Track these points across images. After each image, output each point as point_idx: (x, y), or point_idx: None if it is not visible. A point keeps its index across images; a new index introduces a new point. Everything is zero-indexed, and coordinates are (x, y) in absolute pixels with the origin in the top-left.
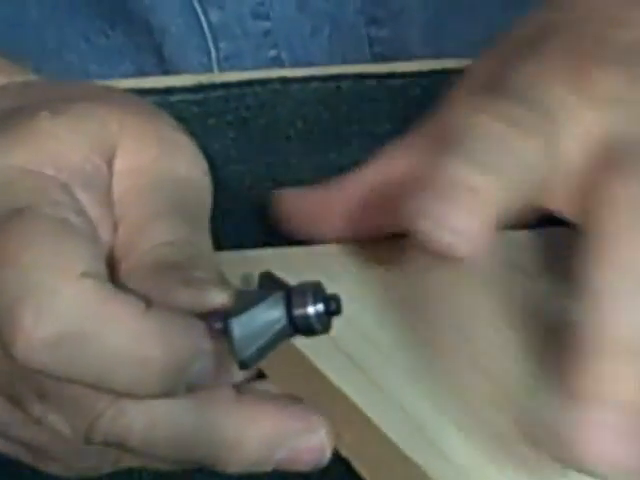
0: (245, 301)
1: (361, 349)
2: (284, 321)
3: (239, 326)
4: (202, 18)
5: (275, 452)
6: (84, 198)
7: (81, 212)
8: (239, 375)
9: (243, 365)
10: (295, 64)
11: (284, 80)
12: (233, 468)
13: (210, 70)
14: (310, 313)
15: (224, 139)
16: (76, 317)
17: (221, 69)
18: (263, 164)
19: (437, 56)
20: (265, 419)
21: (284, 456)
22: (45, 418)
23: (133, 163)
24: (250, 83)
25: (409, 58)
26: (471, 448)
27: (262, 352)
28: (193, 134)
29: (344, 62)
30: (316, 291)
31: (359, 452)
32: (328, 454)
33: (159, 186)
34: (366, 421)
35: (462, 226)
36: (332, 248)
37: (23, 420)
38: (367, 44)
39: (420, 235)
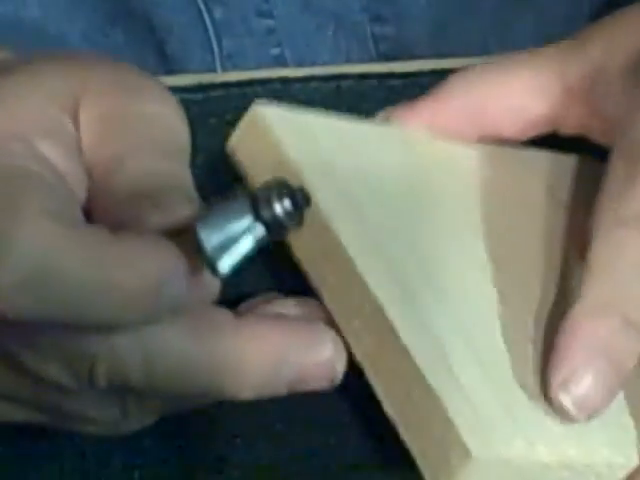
0: (213, 213)
1: (399, 254)
2: (253, 225)
3: (208, 235)
4: (206, 16)
5: (282, 370)
6: (46, 149)
7: (42, 160)
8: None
9: (218, 273)
10: (299, 62)
11: (284, 80)
12: (243, 394)
13: (213, 68)
14: (278, 212)
15: (224, 139)
16: (39, 256)
17: (224, 67)
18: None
19: (442, 55)
20: (266, 336)
21: (293, 375)
22: (43, 372)
23: (99, 110)
24: (250, 83)
25: (414, 56)
26: (488, 386)
27: (236, 259)
28: (193, 134)
29: (348, 60)
30: (280, 189)
31: (374, 361)
32: (340, 368)
33: (128, 125)
34: (387, 325)
35: None
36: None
37: (24, 381)
38: (372, 42)
39: None
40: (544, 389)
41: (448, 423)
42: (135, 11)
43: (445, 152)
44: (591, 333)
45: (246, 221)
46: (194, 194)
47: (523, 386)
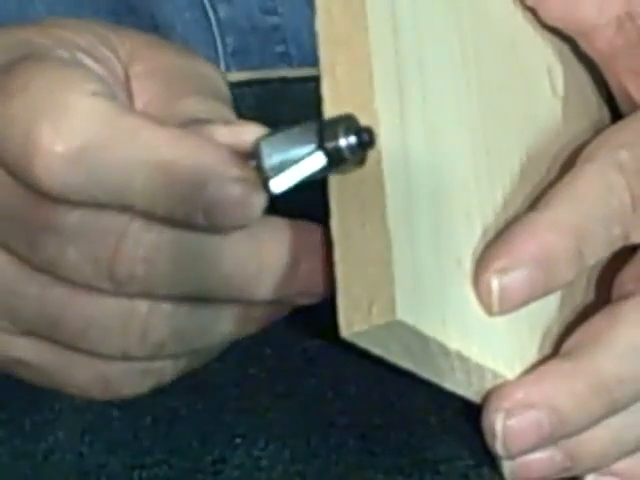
0: (279, 134)
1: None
2: (316, 153)
3: (269, 152)
4: (210, 13)
5: (295, 268)
6: (91, 63)
7: (78, 59)
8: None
9: (270, 191)
10: (303, 60)
11: (284, 80)
12: (258, 292)
13: (217, 65)
14: (342, 145)
15: None
16: (93, 129)
17: (228, 64)
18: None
19: None
20: (280, 233)
21: (304, 275)
22: (62, 255)
23: (149, 65)
24: (250, 83)
25: None
26: (434, 248)
27: (291, 181)
28: None
29: None
30: (348, 123)
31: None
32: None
33: (179, 77)
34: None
35: None
36: None
37: (33, 279)
38: None
39: None
40: (479, 269)
41: (388, 274)
42: (139, 9)
43: None
44: (544, 243)
45: (309, 147)
46: None
47: (461, 262)
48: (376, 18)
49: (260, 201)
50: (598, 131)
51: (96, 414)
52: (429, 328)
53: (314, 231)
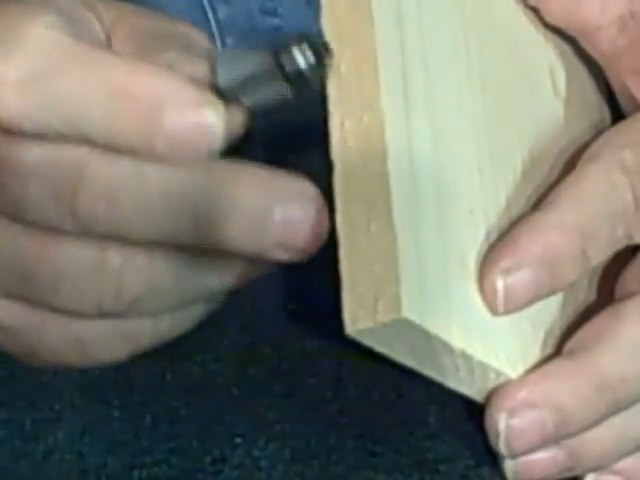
0: (236, 54)
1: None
2: (274, 73)
3: (228, 70)
4: (210, 14)
5: (270, 213)
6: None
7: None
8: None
9: (223, 93)
10: None
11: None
12: (232, 236)
13: None
14: (298, 61)
15: None
16: (46, 57)
17: None
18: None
19: None
20: (255, 177)
21: (280, 223)
22: (25, 194)
23: (132, 27)
24: None
25: None
26: (440, 248)
27: (253, 101)
28: None
29: None
30: (301, 40)
31: (349, 178)
32: (324, 226)
33: (160, 33)
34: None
35: None
36: None
37: (3, 232)
38: None
39: None
40: (484, 269)
41: (393, 272)
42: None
43: None
44: (550, 243)
45: (267, 67)
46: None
47: (464, 261)
48: (382, 15)
49: (220, 125)
50: (599, 131)
51: (96, 414)
52: (433, 326)
53: (294, 181)
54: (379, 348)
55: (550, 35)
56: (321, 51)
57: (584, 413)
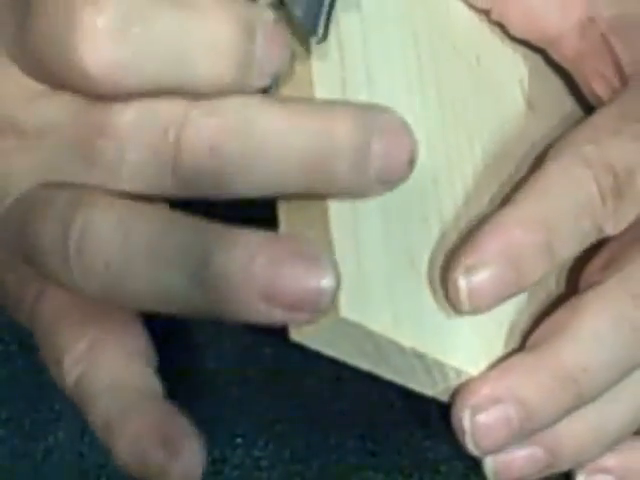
0: None
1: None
2: None
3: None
4: None
5: (369, 146)
6: None
7: None
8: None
9: (318, 39)
10: None
11: None
12: (338, 174)
13: None
14: None
15: None
16: (134, 1)
17: None
18: None
19: None
20: (347, 112)
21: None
22: (122, 160)
23: None
24: None
25: None
26: (381, 245)
27: (326, 18)
28: None
29: None
30: None
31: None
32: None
33: None
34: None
35: None
36: None
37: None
38: None
39: None
40: (447, 270)
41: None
42: None
43: None
44: (513, 239)
45: None
46: None
47: (415, 262)
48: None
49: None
50: None
51: None
52: (378, 325)
53: (383, 111)
54: (328, 352)
55: (519, 48)
56: None
57: (548, 406)
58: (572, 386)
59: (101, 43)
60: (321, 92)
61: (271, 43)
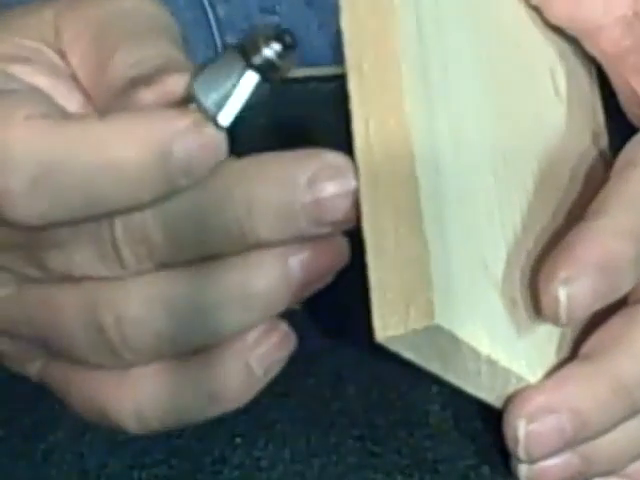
0: (206, 70)
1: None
2: (246, 72)
3: (204, 91)
4: (209, 12)
5: (290, 196)
6: (22, 71)
7: (16, 80)
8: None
9: (220, 126)
10: (302, 59)
11: (284, 80)
12: (262, 228)
13: None
14: (268, 55)
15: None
16: (39, 153)
17: None
18: None
19: None
20: (268, 167)
21: (310, 200)
22: (71, 262)
23: (79, 26)
24: None
25: None
26: (471, 253)
27: (236, 108)
28: None
29: None
30: (266, 32)
31: (375, 178)
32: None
33: (109, 25)
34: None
35: None
36: None
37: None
38: None
39: None
40: (542, 280)
41: (424, 278)
42: None
43: None
44: (607, 250)
45: (238, 69)
46: (186, 65)
47: (487, 264)
48: (403, 17)
49: (220, 135)
50: (596, 133)
51: None
52: (463, 332)
53: (310, 157)
54: (407, 354)
55: (550, 35)
56: (286, 39)
57: (602, 417)
58: (626, 397)
59: (19, 204)
60: (407, 77)
61: (194, 149)
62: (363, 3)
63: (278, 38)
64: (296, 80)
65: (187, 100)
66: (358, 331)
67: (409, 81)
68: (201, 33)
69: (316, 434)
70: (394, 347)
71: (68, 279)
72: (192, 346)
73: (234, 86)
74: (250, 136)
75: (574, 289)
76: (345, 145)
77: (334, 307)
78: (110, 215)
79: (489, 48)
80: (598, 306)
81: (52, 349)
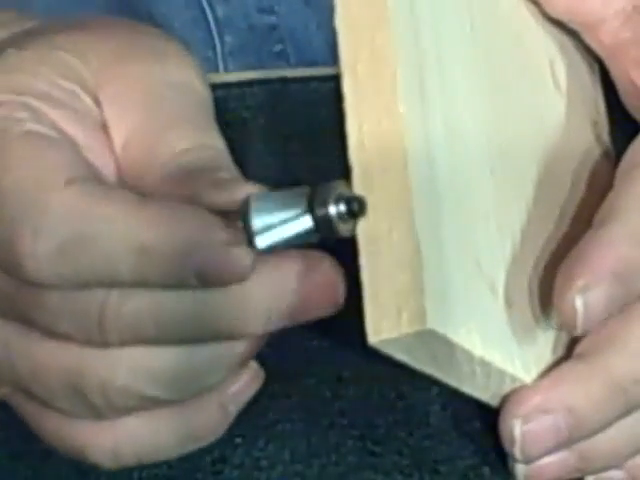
0: (270, 194)
1: None
2: (304, 217)
3: (258, 209)
4: (208, 12)
5: (281, 300)
6: (56, 116)
7: (50, 124)
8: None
9: (255, 246)
10: (300, 59)
11: (284, 80)
12: (252, 327)
13: (215, 64)
14: (331, 213)
15: (223, 139)
16: (71, 223)
17: (226, 63)
18: (262, 164)
19: None
20: (265, 269)
21: (295, 303)
22: (54, 327)
23: (123, 83)
24: (250, 83)
25: None
26: (462, 258)
27: (275, 240)
28: None
29: None
30: (339, 191)
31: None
32: (341, 290)
33: (156, 97)
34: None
35: None
36: None
37: (29, 343)
38: None
39: None
40: (559, 288)
41: (417, 281)
42: (137, 8)
43: None
44: (622, 256)
45: (297, 210)
46: (234, 168)
47: (480, 263)
48: (397, 15)
49: (248, 260)
50: (597, 125)
51: None
52: (456, 335)
53: (299, 259)
54: (400, 357)
55: (550, 28)
56: (355, 206)
57: (597, 416)
58: (621, 396)
59: (42, 265)
60: (402, 78)
61: (214, 262)
62: (357, 3)
63: (348, 201)
64: (296, 80)
65: (236, 212)
66: (358, 331)
67: (403, 81)
68: (200, 32)
69: (316, 434)
70: (387, 350)
71: (50, 335)
72: (174, 403)
73: (286, 222)
74: (250, 136)
75: (591, 298)
76: (344, 145)
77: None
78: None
79: (487, 44)
80: (613, 312)
81: (29, 394)
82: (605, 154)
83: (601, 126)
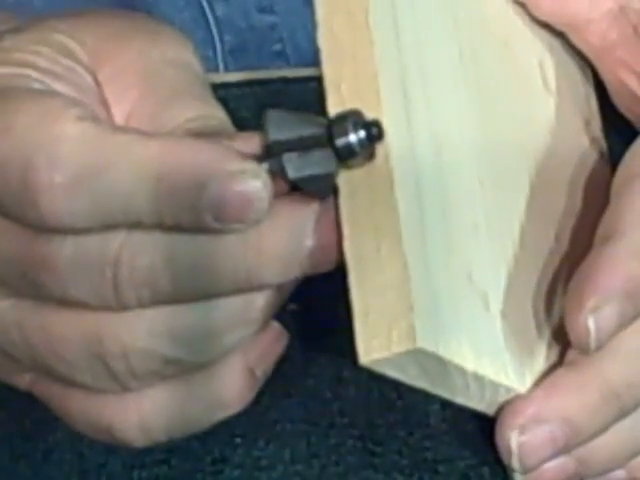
0: (289, 118)
1: None
2: (325, 145)
3: (275, 128)
4: (208, 11)
5: (299, 243)
6: (60, 88)
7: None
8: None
9: (286, 172)
10: (299, 59)
11: (284, 80)
12: (269, 276)
13: (215, 64)
14: (352, 140)
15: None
16: (87, 154)
17: (226, 63)
18: None
19: None
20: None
21: (313, 246)
22: (66, 292)
23: (118, 64)
24: (250, 83)
25: None
26: (449, 272)
27: (304, 176)
28: None
29: None
30: (356, 118)
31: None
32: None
33: (155, 73)
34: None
35: None
36: None
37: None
38: None
39: None
40: (569, 309)
41: (405, 300)
42: (137, 7)
43: None
44: (630, 273)
45: (317, 134)
46: (231, 127)
47: (473, 279)
48: (379, 31)
49: (265, 192)
50: (590, 125)
51: None
52: (447, 352)
53: (311, 204)
54: (393, 374)
55: (538, 30)
56: (373, 129)
57: (593, 422)
58: (615, 401)
59: (57, 198)
60: (385, 94)
61: (229, 193)
62: (339, 19)
63: (366, 127)
64: (296, 80)
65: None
66: None
67: (387, 97)
68: (200, 32)
69: (316, 434)
70: (379, 369)
71: (64, 305)
72: (198, 366)
73: (305, 137)
74: None
75: (602, 317)
76: None
77: (334, 307)
78: (135, 225)
79: (473, 48)
80: (623, 329)
81: (51, 373)
82: (600, 154)
83: (594, 125)
